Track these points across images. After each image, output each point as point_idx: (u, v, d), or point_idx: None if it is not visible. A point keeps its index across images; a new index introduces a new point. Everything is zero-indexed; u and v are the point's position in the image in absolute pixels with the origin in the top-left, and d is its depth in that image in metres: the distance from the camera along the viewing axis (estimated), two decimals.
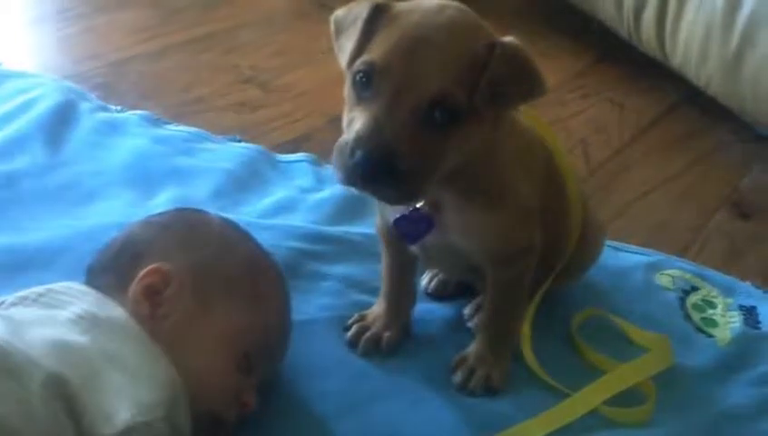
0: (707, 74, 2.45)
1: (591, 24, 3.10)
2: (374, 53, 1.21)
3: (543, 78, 1.25)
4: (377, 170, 1.16)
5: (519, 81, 1.25)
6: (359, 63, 1.23)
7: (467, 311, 1.64)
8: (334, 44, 1.32)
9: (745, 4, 2.27)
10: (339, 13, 1.32)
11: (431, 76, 1.18)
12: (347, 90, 1.26)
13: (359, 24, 1.25)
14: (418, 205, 1.35)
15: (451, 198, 1.35)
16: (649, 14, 2.66)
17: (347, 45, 1.27)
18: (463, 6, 1.27)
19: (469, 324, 1.60)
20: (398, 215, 1.38)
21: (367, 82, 1.21)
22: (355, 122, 1.21)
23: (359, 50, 1.24)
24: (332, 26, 1.33)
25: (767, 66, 2.21)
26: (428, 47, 1.19)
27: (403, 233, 1.40)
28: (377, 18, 1.24)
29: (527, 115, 1.44)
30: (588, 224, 1.60)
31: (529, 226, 1.44)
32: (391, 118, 1.17)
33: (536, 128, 1.48)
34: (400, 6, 1.26)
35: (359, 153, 1.15)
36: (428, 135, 1.18)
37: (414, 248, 1.46)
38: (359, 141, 1.16)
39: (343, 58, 1.28)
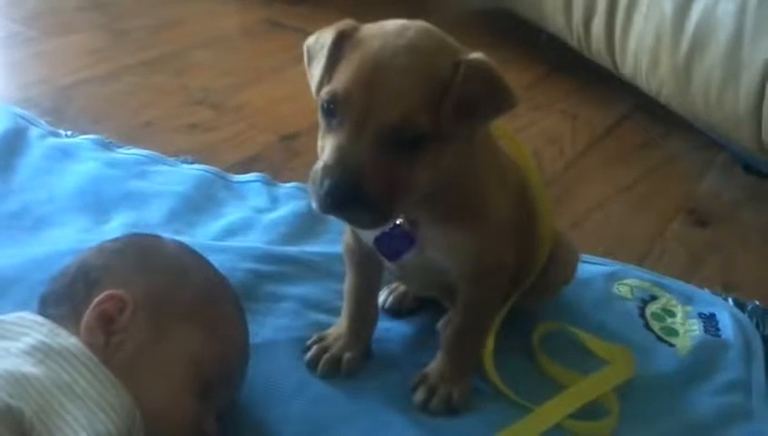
0: (658, 82, 2.46)
1: (540, 35, 3.12)
2: (336, 82, 1.23)
3: (512, 90, 1.25)
4: (345, 197, 1.18)
5: (487, 97, 1.24)
6: (323, 93, 1.24)
7: (440, 326, 1.63)
8: (306, 71, 1.33)
9: (694, 11, 2.27)
10: (311, 40, 1.33)
11: (391, 104, 1.18)
12: (319, 117, 1.26)
13: (324, 52, 1.26)
14: (398, 222, 1.36)
15: (430, 215, 1.36)
16: (598, 25, 2.67)
17: (315, 73, 1.28)
18: (427, 25, 1.27)
19: None
20: (377, 234, 1.38)
21: (333, 111, 1.22)
22: (325, 150, 1.22)
23: (325, 78, 1.26)
24: (305, 54, 1.33)
25: (718, 71, 2.21)
26: (387, 74, 1.19)
27: (383, 251, 1.41)
28: (342, 44, 1.25)
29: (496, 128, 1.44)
30: (559, 245, 1.60)
31: (504, 243, 1.45)
32: (355, 147, 1.18)
33: (507, 144, 1.48)
34: (364, 31, 1.26)
35: (326, 182, 1.18)
36: (395, 161, 1.19)
37: (390, 265, 1.47)
38: (326, 169, 1.19)
39: (313, 85, 1.29)
